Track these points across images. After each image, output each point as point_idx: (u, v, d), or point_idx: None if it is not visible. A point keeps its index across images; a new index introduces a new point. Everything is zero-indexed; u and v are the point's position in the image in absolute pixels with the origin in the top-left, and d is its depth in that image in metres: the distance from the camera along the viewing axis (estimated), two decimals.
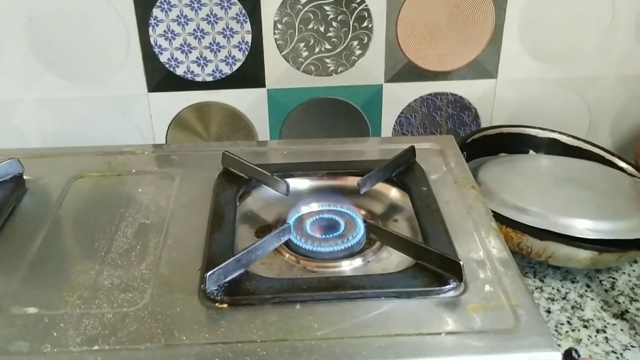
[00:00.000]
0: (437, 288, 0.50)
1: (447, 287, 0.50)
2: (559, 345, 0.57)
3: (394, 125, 0.88)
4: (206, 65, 0.82)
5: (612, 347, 0.59)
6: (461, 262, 0.50)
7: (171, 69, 0.82)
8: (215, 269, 0.50)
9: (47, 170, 0.68)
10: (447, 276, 0.50)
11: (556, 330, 0.61)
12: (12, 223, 0.60)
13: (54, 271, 0.54)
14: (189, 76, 0.83)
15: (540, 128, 0.84)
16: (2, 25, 0.78)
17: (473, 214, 0.60)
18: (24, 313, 0.49)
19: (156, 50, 0.81)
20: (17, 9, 0.77)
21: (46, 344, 0.46)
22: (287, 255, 0.56)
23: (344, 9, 0.79)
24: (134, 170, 0.70)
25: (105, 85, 0.83)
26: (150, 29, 0.79)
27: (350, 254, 0.56)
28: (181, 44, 0.81)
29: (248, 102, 0.85)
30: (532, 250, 0.66)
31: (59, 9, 0.78)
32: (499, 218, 0.65)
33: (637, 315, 0.63)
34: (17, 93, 0.82)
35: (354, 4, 0.79)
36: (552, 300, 0.65)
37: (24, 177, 0.66)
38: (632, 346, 0.59)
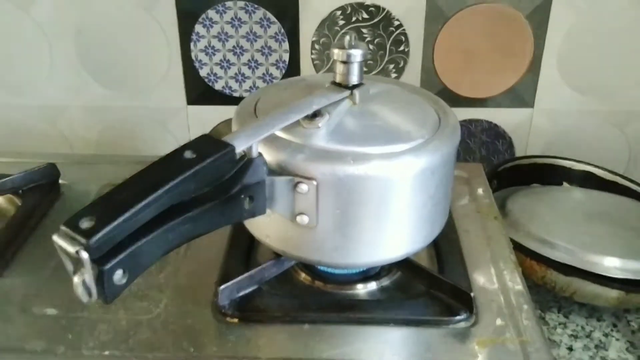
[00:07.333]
0: (447, 318, 0.50)
1: (457, 317, 0.50)
2: None
3: None
4: (244, 81, 0.84)
5: None
6: (472, 294, 0.49)
7: (210, 84, 0.84)
8: (228, 283, 0.51)
9: (83, 176, 0.72)
10: (458, 307, 0.50)
11: None
12: (43, 225, 0.63)
13: None
14: (227, 91, 0.85)
15: (575, 160, 0.82)
16: (54, 36, 0.82)
17: (493, 245, 0.60)
18: (44, 314, 0.51)
19: (196, 64, 0.83)
20: (67, 21, 0.81)
21: (60, 345, 0.48)
22: (302, 274, 0.57)
23: (381, 32, 0.80)
24: None
25: (147, 96, 0.86)
26: (192, 44, 0.82)
27: (365, 278, 0.56)
28: (221, 60, 0.83)
29: None
30: (556, 285, 0.64)
31: (106, 22, 0.81)
32: (523, 250, 0.64)
33: None
34: (64, 100, 0.86)
35: (391, 28, 0.80)
36: (575, 337, 0.63)
37: (60, 181, 0.69)
38: None
